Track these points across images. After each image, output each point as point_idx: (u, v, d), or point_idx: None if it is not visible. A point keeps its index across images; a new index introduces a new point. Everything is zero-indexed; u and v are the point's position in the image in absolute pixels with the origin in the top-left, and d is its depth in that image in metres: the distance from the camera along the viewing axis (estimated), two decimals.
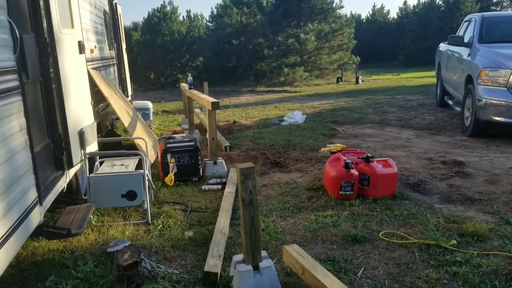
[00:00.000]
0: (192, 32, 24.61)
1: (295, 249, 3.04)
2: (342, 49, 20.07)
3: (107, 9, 7.91)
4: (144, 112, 9.18)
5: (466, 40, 8.09)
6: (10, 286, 3.02)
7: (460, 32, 9.14)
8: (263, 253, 2.90)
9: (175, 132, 8.48)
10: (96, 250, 3.48)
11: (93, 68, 5.84)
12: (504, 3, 37.32)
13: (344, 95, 13.99)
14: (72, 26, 4.12)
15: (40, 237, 3.54)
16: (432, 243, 3.36)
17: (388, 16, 36.83)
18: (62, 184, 3.73)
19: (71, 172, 3.95)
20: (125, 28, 27.29)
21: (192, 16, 27.92)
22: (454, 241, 3.35)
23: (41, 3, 3.52)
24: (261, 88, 18.21)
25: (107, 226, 3.94)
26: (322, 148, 5.17)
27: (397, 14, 36.57)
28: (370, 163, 4.50)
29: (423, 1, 32.63)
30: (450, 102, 8.74)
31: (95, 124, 4.58)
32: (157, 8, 24.22)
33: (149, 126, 8.19)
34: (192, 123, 7.57)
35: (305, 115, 9.30)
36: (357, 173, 4.41)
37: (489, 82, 6.54)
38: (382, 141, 7.14)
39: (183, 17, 26.96)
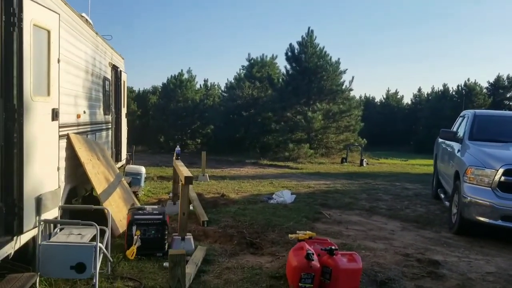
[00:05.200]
0: (206, 100, 25.37)
1: None
2: (349, 130, 20.28)
3: (108, 76, 8.23)
4: (135, 177, 9.21)
5: (459, 135, 8.08)
6: None
7: (455, 127, 9.16)
8: None
9: (160, 201, 8.43)
10: None
11: (78, 133, 5.96)
12: None
13: (344, 177, 13.89)
14: (48, 94, 4.25)
15: None
16: None
17: (402, 101, 37.57)
18: (8, 249, 3.66)
19: (22, 238, 3.89)
20: (144, 92, 28.35)
21: (209, 85, 28.99)
22: None
23: (15, 71, 3.67)
24: (265, 161, 18.30)
25: None
26: (290, 235, 5.03)
27: (411, 100, 37.31)
28: (334, 256, 4.34)
29: (437, 90, 33.38)
30: (442, 196, 8.57)
31: (59, 190, 4.57)
32: (175, 75, 25.26)
33: (136, 192, 8.17)
34: (175, 193, 7.52)
35: (294, 195, 9.18)
36: (318, 265, 4.24)
37: (475, 181, 6.41)
38: (366, 230, 6.94)
39: (200, 85, 28.01)
